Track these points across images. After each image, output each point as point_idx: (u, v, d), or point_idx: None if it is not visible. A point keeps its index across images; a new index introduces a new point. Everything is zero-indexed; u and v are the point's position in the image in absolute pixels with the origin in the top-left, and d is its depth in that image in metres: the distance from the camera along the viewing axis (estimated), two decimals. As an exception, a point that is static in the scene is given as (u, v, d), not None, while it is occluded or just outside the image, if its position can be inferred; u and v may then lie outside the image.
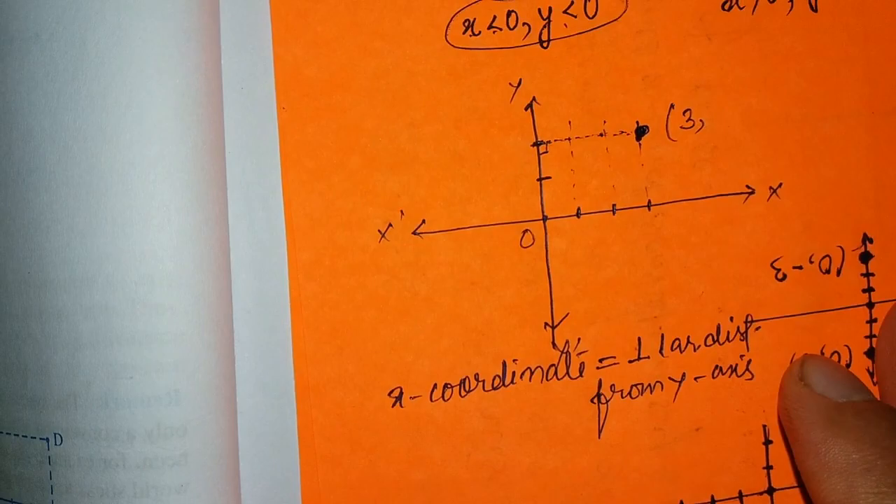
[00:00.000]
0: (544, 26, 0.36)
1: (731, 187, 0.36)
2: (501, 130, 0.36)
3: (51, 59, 0.33)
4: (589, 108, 0.36)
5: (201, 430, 0.33)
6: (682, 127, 0.36)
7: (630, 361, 0.36)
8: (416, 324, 0.36)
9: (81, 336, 0.33)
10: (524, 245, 0.36)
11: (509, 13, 0.35)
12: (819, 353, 0.37)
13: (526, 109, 0.36)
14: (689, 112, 0.36)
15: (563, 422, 0.36)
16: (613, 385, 0.36)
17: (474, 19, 0.35)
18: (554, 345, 0.36)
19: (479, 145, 0.36)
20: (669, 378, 0.37)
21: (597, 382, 0.36)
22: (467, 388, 0.36)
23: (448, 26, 0.35)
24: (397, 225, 0.35)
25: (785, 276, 0.37)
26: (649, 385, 0.37)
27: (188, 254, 0.33)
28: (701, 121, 0.36)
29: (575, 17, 0.36)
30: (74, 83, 0.33)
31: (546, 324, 0.36)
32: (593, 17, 0.36)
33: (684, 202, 0.36)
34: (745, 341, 0.37)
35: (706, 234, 0.36)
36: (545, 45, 0.36)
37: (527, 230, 0.36)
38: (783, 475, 0.37)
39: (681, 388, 0.37)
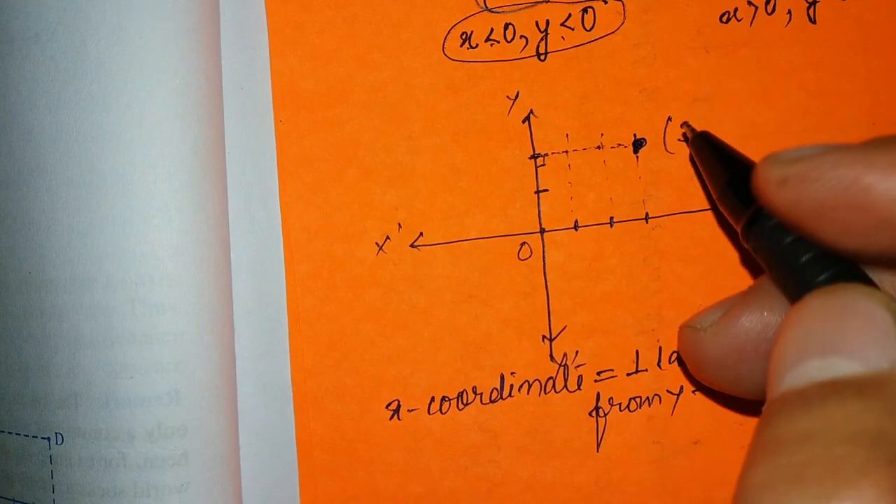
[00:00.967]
0: (542, 39, 0.36)
1: (729, 200, 0.36)
2: (499, 143, 0.36)
3: (51, 59, 0.34)
4: (586, 120, 0.36)
5: (202, 429, 0.34)
6: (679, 139, 0.36)
7: (628, 374, 0.36)
8: (413, 337, 0.36)
9: (82, 336, 0.34)
10: (522, 258, 0.36)
11: (507, 26, 0.35)
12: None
13: (523, 122, 0.36)
14: (687, 125, 0.36)
15: (561, 435, 0.36)
16: (612, 398, 0.36)
17: (472, 32, 0.35)
18: (552, 358, 0.36)
19: (476, 158, 0.36)
20: (668, 391, 0.36)
21: (595, 395, 0.36)
22: (465, 401, 0.36)
23: (446, 39, 0.35)
24: (395, 238, 0.35)
25: (784, 289, 0.37)
26: (647, 398, 0.36)
27: (188, 253, 0.33)
28: (699, 133, 0.36)
29: (573, 29, 0.36)
30: (75, 83, 0.33)
31: (544, 336, 0.36)
32: (591, 29, 0.36)
33: (682, 215, 0.36)
34: (743, 354, 0.37)
35: (704, 247, 0.36)
36: (543, 57, 0.36)
37: (524, 243, 0.36)
38: (783, 489, 0.37)
39: (679, 402, 0.37)
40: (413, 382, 0.36)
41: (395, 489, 0.36)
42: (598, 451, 0.36)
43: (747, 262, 0.36)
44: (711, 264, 0.36)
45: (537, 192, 0.36)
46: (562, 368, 0.36)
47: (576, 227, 0.36)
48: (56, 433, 0.34)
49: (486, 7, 0.35)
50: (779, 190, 0.24)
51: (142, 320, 0.33)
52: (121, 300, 0.33)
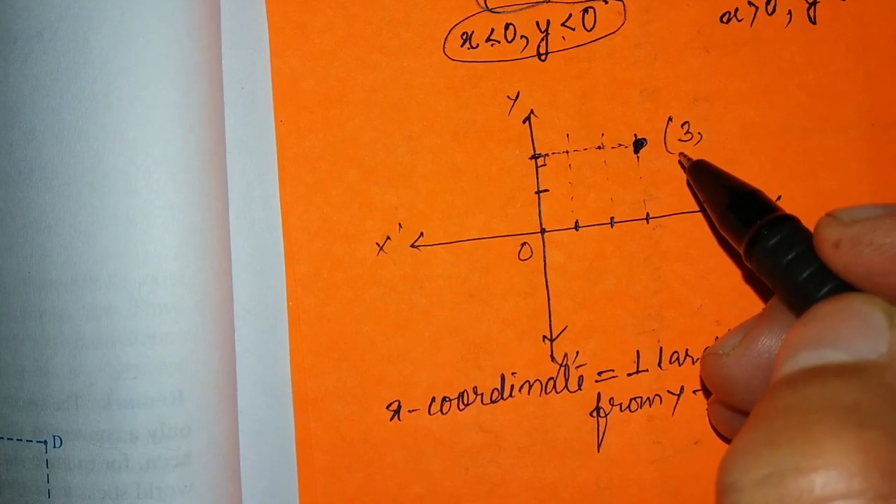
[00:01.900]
0: (542, 39, 0.36)
1: (730, 200, 0.36)
2: (499, 143, 0.36)
3: (53, 58, 0.33)
4: (587, 120, 0.36)
5: (204, 429, 0.34)
6: (680, 140, 0.36)
7: (629, 374, 0.36)
8: (414, 337, 0.36)
9: (84, 336, 0.33)
10: (522, 258, 0.36)
11: (507, 26, 0.35)
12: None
13: (524, 122, 0.36)
14: (687, 125, 0.36)
15: (561, 435, 0.36)
16: (612, 398, 0.36)
17: (472, 32, 0.35)
18: (552, 358, 0.36)
19: (477, 158, 0.36)
20: (668, 391, 0.36)
21: (595, 396, 0.36)
22: (466, 402, 0.36)
23: (446, 39, 0.35)
24: (395, 238, 0.35)
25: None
26: (648, 398, 0.36)
27: (190, 253, 0.33)
28: (699, 133, 0.36)
29: (573, 29, 0.36)
30: (77, 82, 0.33)
31: (544, 337, 0.36)
32: (591, 29, 0.36)
33: (683, 215, 0.36)
34: (744, 354, 0.37)
35: (704, 247, 0.36)
36: (543, 58, 0.36)
37: (525, 243, 0.36)
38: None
39: (680, 402, 0.37)
40: (414, 383, 0.36)
41: (396, 489, 0.36)
42: (598, 452, 0.36)
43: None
44: (711, 264, 0.36)
45: (538, 192, 0.36)
46: (562, 368, 0.36)
47: (576, 227, 0.36)
48: (54, 436, 0.34)
49: (487, 7, 0.35)
50: (834, 251, 0.25)
51: (144, 320, 0.33)
52: (123, 300, 0.33)
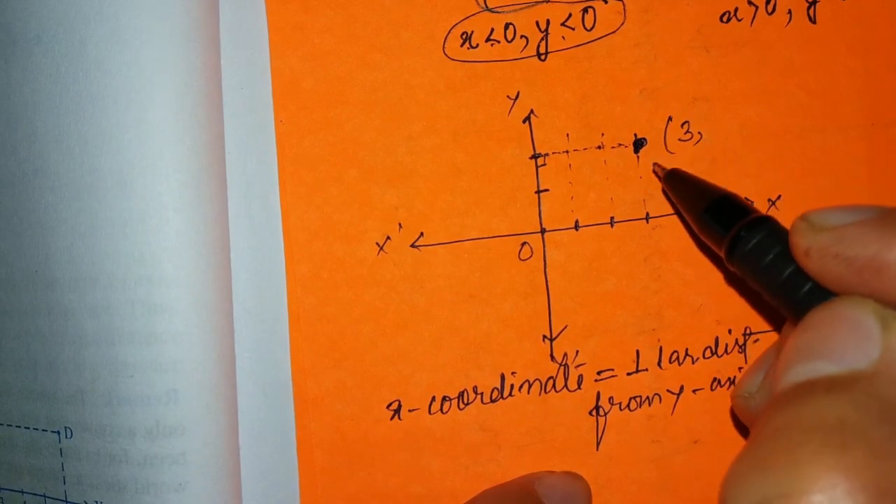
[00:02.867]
0: (542, 39, 0.35)
1: (729, 199, 0.36)
2: (499, 143, 0.36)
3: (52, 60, 0.34)
4: (587, 120, 0.36)
5: (200, 429, 0.34)
6: (680, 139, 0.36)
7: (628, 374, 0.36)
8: (414, 337, 0.36)
9: (86, 334, 0.34)
10: (522, 258, 0.36)
11: (507, 26, 0.35)
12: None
13: (524, 122, 0.36)
14: (687, 124, 0.36)
15: (561, 434, 0.36)
16: (612, 398, 0.36)
17: (472, 32, 0.35)
18: (552, 357, 0.36)
19: (477, 158, 0.36)
20: (668, 391, 0.37)
21: (595, 395, 0.36)
22: (466, 401, 0.36)
23: (446, 39, 0.35)
24: (395, 238, 0.35)
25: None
26: (647, 398, 0.37)
27: (187, 254, 0.33)
28: (699, 133, 0.36)
29: (573, 29, 0.36)
30: (76, 85, 0.33)
31: (544, 336, 0.36)
32: (591, 29, 0.36)
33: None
34: (743, 354, 0.37)
35: (704, 247, 0.36)
36: (543, 57, 0.36)
37: (525, 243, 0.36)
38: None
39: (679, 401, 0.37)
40: (414, 382, 0.36)
41: (396, 489, 0.36)
42: (598, 450, 0.37)
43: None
44: (711, 264, 0.36)
45: (538, 191, 0.36)
46: (562, 368, 0.36)
47: (576, 226, 0.36)
48: (65, 427, 0.35)
49: (487, 7, 0.35)
50: (805, 259, 0.25)
51: (141, 320, 0.33)
52: (121, 300, 0.33)
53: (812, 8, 0.36)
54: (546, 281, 0.36)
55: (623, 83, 0.36)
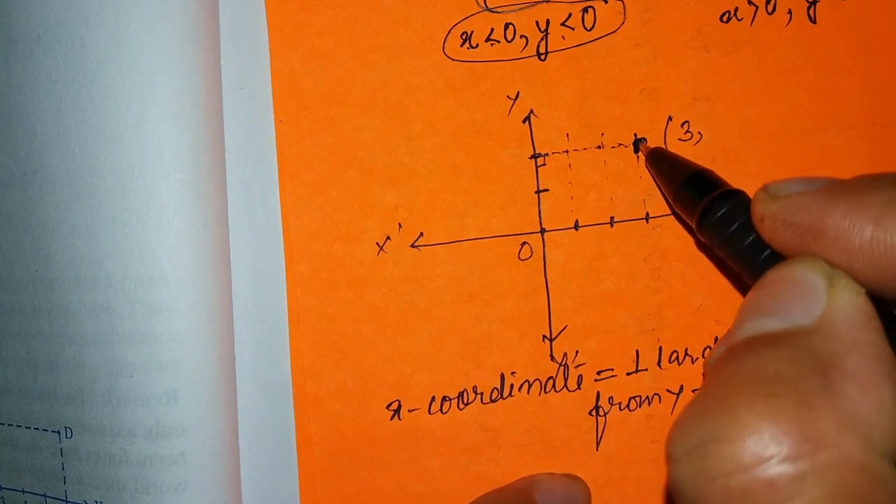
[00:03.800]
0: (542, 39, 0.35)
1: (729, 199, 0.36)
2: (499, 143, 0.36)
3: (52, 60, 0.34)
4: (587, 120, 0.36)
5: (200, 429, 0.34)
6: (680, 139, 0.36)
7: (628, 374, 0.36)
8: (414, 337, 0.36)
9: (86, 334, 0.34)
10: (522, 258, 0.36)
11: (507, 25, 0.35)
12: None
13: (524, 122, 0.36)
14: (687, 124, 0.36)
15: (561, 434, 0.36)
16: (612, 397, 0.36)
17: (472, 32, 0.35)
18: (552, 357, 0.36)
19: (477, 158, 0.36)
20: (667, 390, 0.37)
21: (595, 395, 0.36)
22: (466, 401, 0.36)
23: (446, 39, 0.35)
24: (395, 238, 0.35)
25: (784, 288, 0.37)
26: (647, 397, 0.37)
27: (187, 254, 0.33)
28: (699, 133, 0.36)
29: (573, 29, 0.35)
30: (75, 85, 0.33)
31: (544, 336, 0.36)
32: (591, 29, 0.36)
33: (682, 215, 0.36)
34: (743, 354, 0.37)
35: (704, 248, 0.36)
36: (543, 57, 0.36)
37: (525, 243, 0.36)
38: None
39: (679, 401, 0.37)
40: (414, 382, 0.36)
41: (396, 489, 0.36)
42: (597, 450, 0.37)
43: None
44: (711, 264, 0.36)
45: (538, 191, 0.36)
46: (562, 368, 0.36)
47: (576, 226, 0.36)
48: (65, 427, 0.35)
49: (487, 7, 0.35)
50: (760, 225, 0.27)
51: (141, 320, 0.33)
52: (121, 300, 0.33)
53: (812, 8, 0.36)
54: (546, 281, 0.36)
55: (623, 83, 0.36)
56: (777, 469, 0.20)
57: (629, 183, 0.36)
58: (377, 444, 0.36)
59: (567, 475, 0.36)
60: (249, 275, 0.35)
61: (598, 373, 0.36)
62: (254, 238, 0.35)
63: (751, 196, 0.29)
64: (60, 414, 0.35)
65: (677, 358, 0.36)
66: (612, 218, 0.36)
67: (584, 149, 0.36)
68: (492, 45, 0.35)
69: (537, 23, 0.35)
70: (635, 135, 0.36)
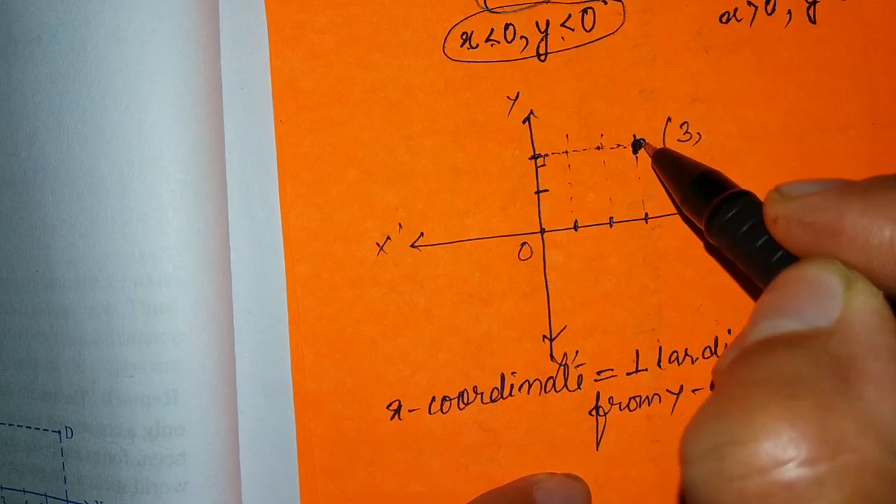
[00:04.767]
0: (542, 39, 0.36)
1: (729, 199, 0.36)
2: (499, 143, 0.36)
3: (52, 61, 0.34)
4: (586, 121, 0.36)
5: (200, 429, 0.34)
6: (679, 140, 0.36)
7: (628, 374, 0.36)
8: (414, 337, 0.36)
9: (86, 334, 0.34)
10: (522, 258, 0.36)
11: (507, 26, 0.35)
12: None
13: (524, 122, 0.36)
14: (686, 125, 0.36)
15: (561, 434, 0.36)
16: (612, 397, 0.36)
17: (472, 32, 0.35)
18: (552, 357, 0.36)
19: (477, 158, 0.36)
20: (667, 390, 0.37)
21: (595, 395, 0.36)
22: (466, 401, 0.36)
23: (446, 39, 0.35)
24: (395, 238, 0.35)
25: (783, 289, 0.37)
26: (647, 397, 0.37)
27: (187, 254, 0.33)
28: (698, 133, 0.36)
29: (572, 30, 0.36)
30: (76, 85, 0.33)
31: (544, 336, 0.36)
32: (591, 30, 0.36)
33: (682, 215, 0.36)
34: (743, 354, 0.37)
35: (703, 247, 0.36)
36: (543, 58, 0.36)
37: (525, 243, 0.36)
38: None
39: (679, 401, 0.37)
40: (414, 382, 0.36)
41: (396, 489, 0.36)
42: (597, 450, 0.37)
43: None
44: (710, 264, 0.36)
45: (537, 192, 0.36)
46: (562, 368, 0.36)
47: (575, 227, 0.36)
48: (66, 427, 0.35)
49: (487, 7, 0.35)
50: (773, 226, 0.26)
51: (141, 320, 0.33)
52: (121, 300, 0.33)
53: (812, 8, 0.36)
54: (546, 281, 0.36)
55: (622, 84, 0.36)
56: (795, 472, 0.20)
57: (628, 183, 0.36)
58: (377, 444, 0.36)
59: (567, 475, 0.36)
60: (249, 275, 0.35)
61: (598, 373, 0.36)
62: (254, 238, 0.35)
63: (758, 197, 0.29)
64: (61, 414, 0.35)
65: (677, 358, 0.36)
66: (611, 218, 0.36)
67: (584, 149, 0.36)
68: (492, 45, 0.35)
69: (537, 23, 0.35)
70: (634, 136, 0.36)
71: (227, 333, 0.34)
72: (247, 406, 0.35)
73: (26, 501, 0.36)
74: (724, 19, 0.36)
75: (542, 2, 0.35)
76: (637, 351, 0.36)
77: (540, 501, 0.35)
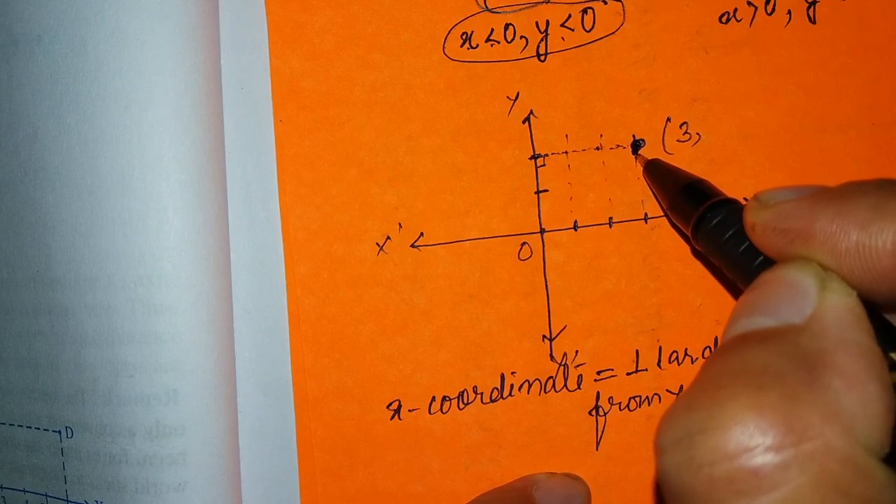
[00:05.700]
0: (542, 39, 0.36)
1: (729, 199, 0.36)
2: (499, 143, 0.36)
3: (53, 60, 0.34)
4: (586, 121, 0.36)
5: (200, 429, 0.34)
6: (678, 140, 0.36)
7: (628, 374, 0.36)
8: (414, 337, 0.36)
9: (86, 334, 0.34)
10: (522, 258, 0.36)
11: (507, 26, 0.35)
12: None
13: (524, 123, 0.36)
14: (686, 125, 0.36)
15: (561, 434, 0.36)
16: (611, 397, 0.36)
17: (472, 32, 0.35)
18: (552, 357, 0.36)
19: (477, 158, 0.36)
20: (667, 390, 0.37)
21: (595, 395, 0.36)
22: (466, 401, 0.36)
23: (446, 39, 0.35)
24: (395, 238, 0.35)
25: (783, 289, 0.37)
26: (647, 397, 0.37)
27: (186, 254, 0.33)
28: (698, 134, 0.36)
29: (572, 30, 0.36)
30: (76, 85, 0.33)
31: (544, 336, 0.36)
32: (590, 30, 0.36)
33: (682, 215, 0.36)
34: (743, 354, 0.37)
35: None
36: (543, 58, 0.36)
37: (525, 243, 0.36)
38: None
39: (679, 401, 0.37)
40: (414, 382, 0.36)
41: (396, 489, 0.36)
42: (597, 450, 0.37)
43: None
44: (710, 264, 0.36)
45: (537, 192, 0.36)
46: (562, 368, 0.36)
47: (575, 227, 0.36)
48: (66, 427, 0.35)
49: (487, 7, 0.35)
50: (752, 233, 0.27)
51: (141, 320, 0.33)
52: (121, 300, 0.33)
53: (812, 8, 0.36)
54: (545, 281, 0.36)
55: (622, 84, 0.36)
56: (761, 458, 0.20)
57: (628, 184, 0.36)
58: (377, 444, 0.36)
59: (567, 475, 0.36)
60: (249, 275, 0.35)
61: (598, 373, 0.36)
62: (254, 238, 0.35)
63: (743, 204, 0.29)
64: (61, 414, 0.35)
65: (677, 358, 0.36)
66: (610, 218, 0.36)
67: (584, 150, 0.36)
68: (492, 45, 0.35)
69: (537, 23, 0.35)
70: (634, 136, 0.36)
71: (227, 333, 0.34)
72: (247, 406, 0.35)
73: (26, 501, 0.37)
74: (723, 19, 0.36)
75: (542, 2, 0.35)
76: (637, 351, 0.36)
77: (539, 501, 0.35)
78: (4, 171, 0.35)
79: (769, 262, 0.27)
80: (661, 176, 0.35)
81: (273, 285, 0.35)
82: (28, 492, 0.36)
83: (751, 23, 0.36)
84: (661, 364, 0.37)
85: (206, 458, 0.34)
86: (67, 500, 0.35)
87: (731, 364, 0.22)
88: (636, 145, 0.36)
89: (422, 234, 0.36)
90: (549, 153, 0.36)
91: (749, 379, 0.22)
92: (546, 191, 0.36)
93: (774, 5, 0.36)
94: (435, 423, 0.36)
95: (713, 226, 0.30)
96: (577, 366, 0.36)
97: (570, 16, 0.36)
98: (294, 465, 0.36)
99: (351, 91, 0.35)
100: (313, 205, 0.35)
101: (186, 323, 0.33)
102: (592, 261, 0.36)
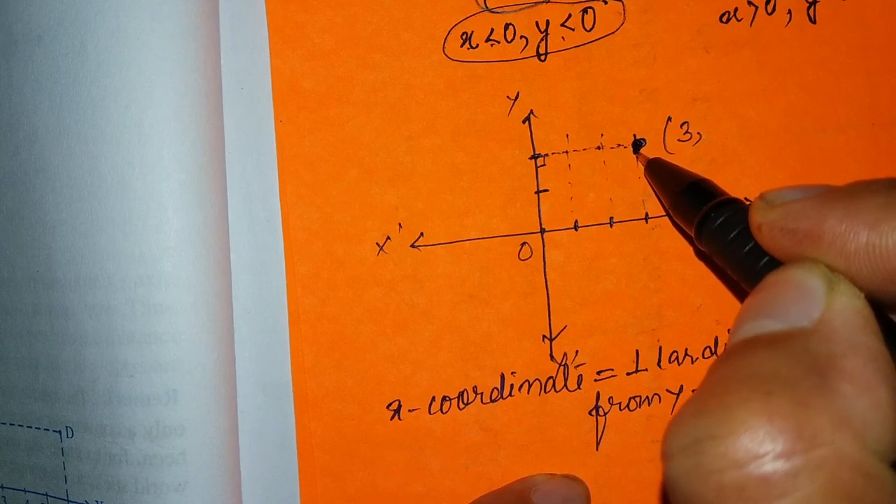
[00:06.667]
0: (542, 39, 0.36)
1: (729, 199, 0.36)
2: (499, 143, 0.36)
3: (53, 61, 0.34)
4: (586, 121, 0.36)
5: (200, 429, 0.34)
6: (679, 140, 0.36)
7: (628, 374, 0.36)
8: (414, 337, 0.36)
9: (87, 334, 0.34)
10: (522, 258, 0.36)
11: (507, 26, 0.35)
12: None
13: (524, 122, 0.36)
14: (686, 125, 0.36)
15: (561, 434, 0.36)
16: (611, 397, 0.36)
17: (472, 32, 0.35)
18: (552, 357, 0.36)
19: (477, 158, 0.36)
20: (667, 390, 0.37)
21: (595, 395, 0.36)
22: (466, 401, 0.36)
23: (446, 39, 0.35)
24: (395, 238, 0.35)
25: (783, 289, 0.37)
26: (647, 397, 0.37)
27: (186, 254, 0.33)
28: (699, 133, 0.36)
29: (573, 30, 0.36)
30: (76, 85, 0.33)
31: (544, 336, 0.36)
32: (591, 30, 0.36)
33: (682, 215, 0.36)
34: (743, 354, 0.37)
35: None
36: (543, 58, 0.36)
37: (525, 243, 0.36)
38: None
39: (679, 401, 0.37)
40: (414, 382, 0.36)
41: (396, 489, 0.36)
42: (597, 450, 0.37)
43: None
44: (712, 264, 0.36)
45: (537, 192, 0.36)
46: (562, 368, 0.36)
47: (576, 227, 0.36)
48: (66, 427, 0.35)
49: (487, 7, 0.35)
50: (758, 233, 0.27)
51: (141, 320, 0.33)
52: (121, 300, 0.33)
53: (812, 8, 0.36)
54: (546, 281, 0.36)
55: (622, 84, 0.36)
56: (771, 465, 0.20)
57: (628, 183, 0.36)
58: (377, 444, 0.36)
59: (566, 476, 0.36)
60: (249, 275, 0.35)
61: (598, 373, 0.36)
62: (254, 238, 0.35)
63: (748, 204, 0.29)
64: (61, 413, 0.35)
65: (677, 358, 0.36)
66: (611, 218, 0.36)
67: (584, 149, 0.36)
68: (492, 45, 0.35)
69: (537, 23, 0.35)
70: (634, 135, 0.36)
71: (227, 333, 0.34)
72: (247, 406, 0.35)
73: (27, 501, 0.37)
74: (724, 19, 0.36)
75: (542, 2, 0.35)
76: (637, 351, 0.36)
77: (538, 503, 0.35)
78: (4, 171, 0.35)
79: (774, 263, 0.27)
80: (663, 175, 0.34)
81: (273, 285, 0.35)
82: (28, 491, 0.36)
83: (751, 23, 0.36)
84: (662, 364, 0.36)
85: (206, 458, 0.34)
86: (68, 500, 0.35)
87: (740, 369, 0.22)
88: (637, 145, 0.36)
89: (422, 234, 0.36)
90: (550, 153, 0.36)
91: (758, 384, 0.21)
92: (546, 190, 0.36)
93: (775, 5, 0.36)
94: (435, 423, 0.36)
95: (717, 226, 0.30)
96: (578, 366, 0.36)
97: (570, 15, 0.35)
98: (294, 465, 0.36)
99: (351, 91, 0.35)
100: (313, 205, 0.35)
101: (186, 323, 0.33)
102: (593, 261, 0.36)
